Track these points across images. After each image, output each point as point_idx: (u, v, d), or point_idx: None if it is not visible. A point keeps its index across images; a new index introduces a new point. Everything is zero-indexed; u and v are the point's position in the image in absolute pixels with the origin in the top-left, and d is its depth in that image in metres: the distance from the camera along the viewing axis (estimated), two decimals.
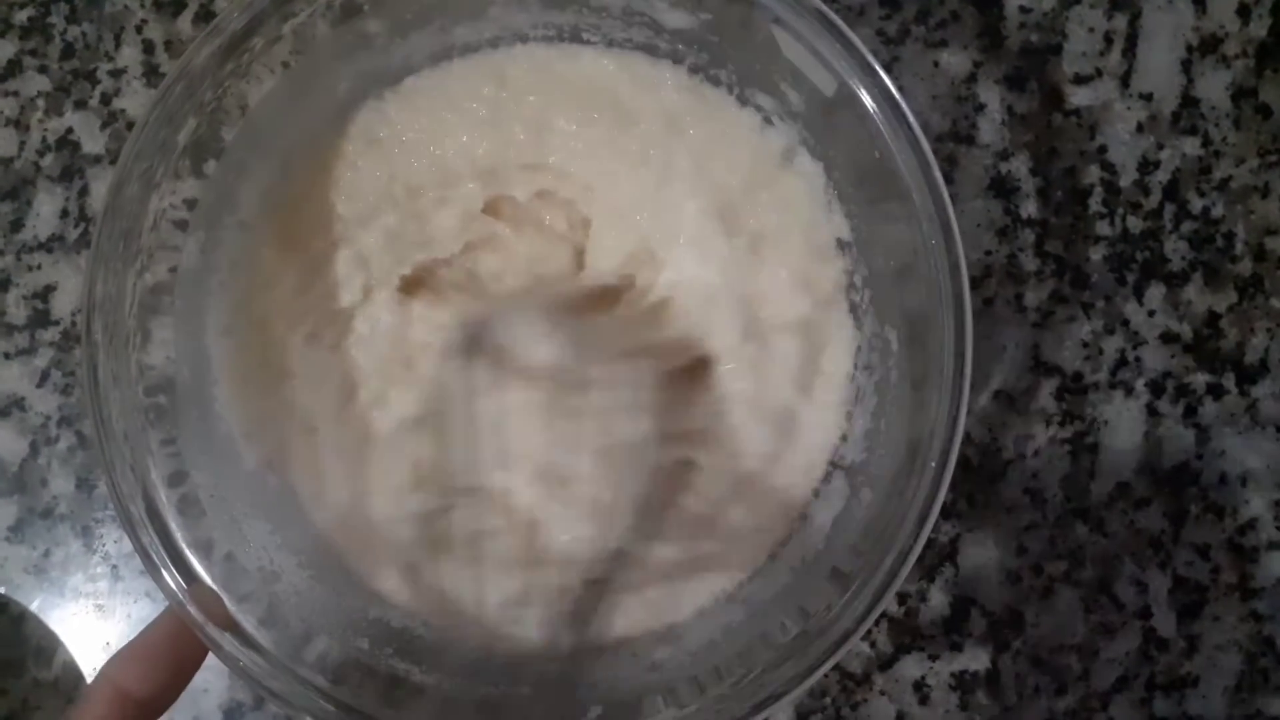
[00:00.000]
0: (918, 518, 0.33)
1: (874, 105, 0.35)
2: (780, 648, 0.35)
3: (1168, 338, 0.47)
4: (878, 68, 0.35)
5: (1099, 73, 0.48)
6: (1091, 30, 0.48)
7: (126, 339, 0.36)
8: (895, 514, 0.34)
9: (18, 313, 0.49)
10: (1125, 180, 0.48)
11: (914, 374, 0.37)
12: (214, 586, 0.35)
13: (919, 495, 0.33)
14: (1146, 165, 0.48)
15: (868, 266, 0.39)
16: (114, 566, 0.48)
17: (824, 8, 0.35)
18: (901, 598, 0.47)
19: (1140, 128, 0.48)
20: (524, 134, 0.42)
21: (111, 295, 0.35)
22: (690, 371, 0.42)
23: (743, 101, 0.41)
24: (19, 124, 0.49)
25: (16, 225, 0.49)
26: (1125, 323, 0.47)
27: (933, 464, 0.33)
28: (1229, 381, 0.47)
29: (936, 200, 0.34)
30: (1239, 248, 0.47)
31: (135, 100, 0.49)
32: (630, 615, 0.41)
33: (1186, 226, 0.47)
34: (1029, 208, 0.47)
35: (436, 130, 0.42)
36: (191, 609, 0.35)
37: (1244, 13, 0.48)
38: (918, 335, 0.36)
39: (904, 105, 0.34)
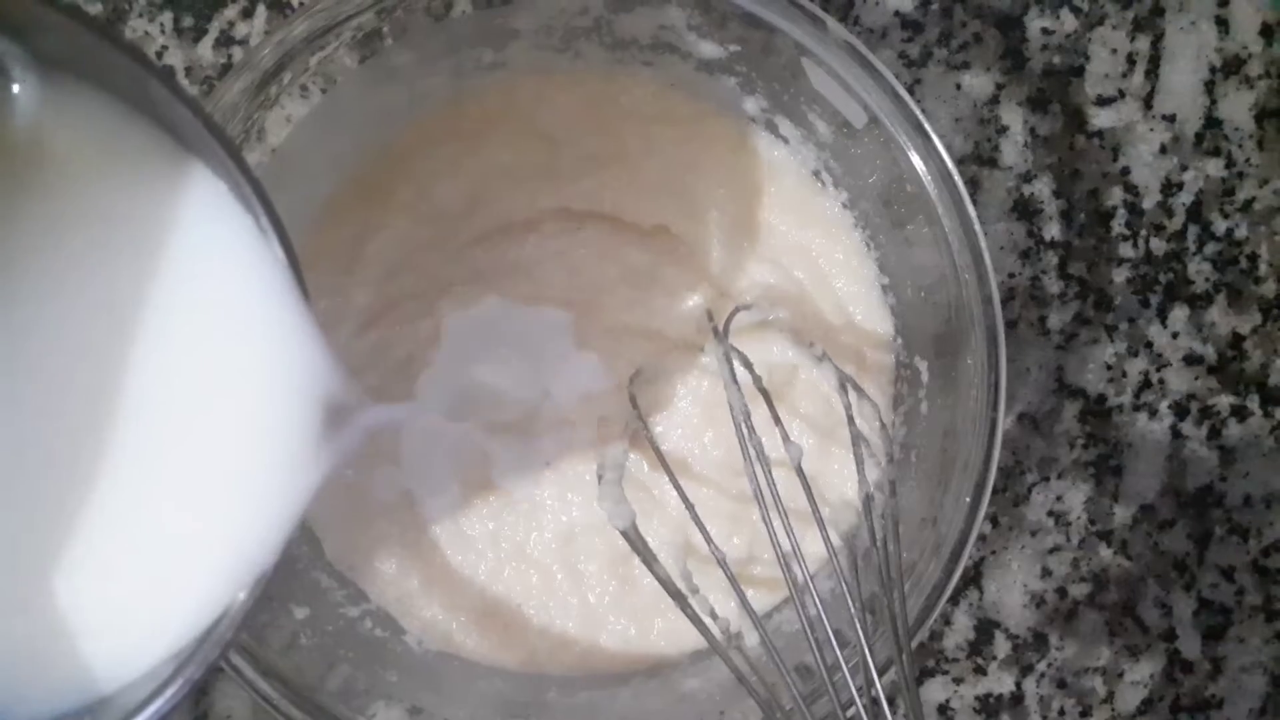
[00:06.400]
0: (950, 553, 0.33)
1: (902, 134, 0.35)
2: (810, 682, 0.35)
3: (1191, 360, 0.47)
4: (906, 97, 0.35)
5: (1122, 94, 0.47)
6: (1114, 51, 0.47)
7: None
8: (927, 547, 0.34)
9: None
10: (1148, 202, 0.47)
11: (944, 404, 0.37)
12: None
13: (952, 529, 0.33)
14: (1169, 187, 0.47)
15: (895, 296, 0.39)
16: None
17: (851, 38, 0.35)
18: None
19: (1163, 149, 0.47)
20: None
21: None
22: None
23: (771, 129, 0.41)
24: None
25: None
26: (1149, 345, 0.47)
27: (966, 499, 0.33)
28: (1253, 403, 0.47)
29: (968, 232, 0.34)
30: (1263, 269, 0.47)
31: None
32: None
33: (1210, 248, 0.47)
34: (1052, 230, 0.47)
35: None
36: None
37: (1267, 33, 0.47)
38: (948, 366, 0.36)
39: (934, 135, 0.34)
